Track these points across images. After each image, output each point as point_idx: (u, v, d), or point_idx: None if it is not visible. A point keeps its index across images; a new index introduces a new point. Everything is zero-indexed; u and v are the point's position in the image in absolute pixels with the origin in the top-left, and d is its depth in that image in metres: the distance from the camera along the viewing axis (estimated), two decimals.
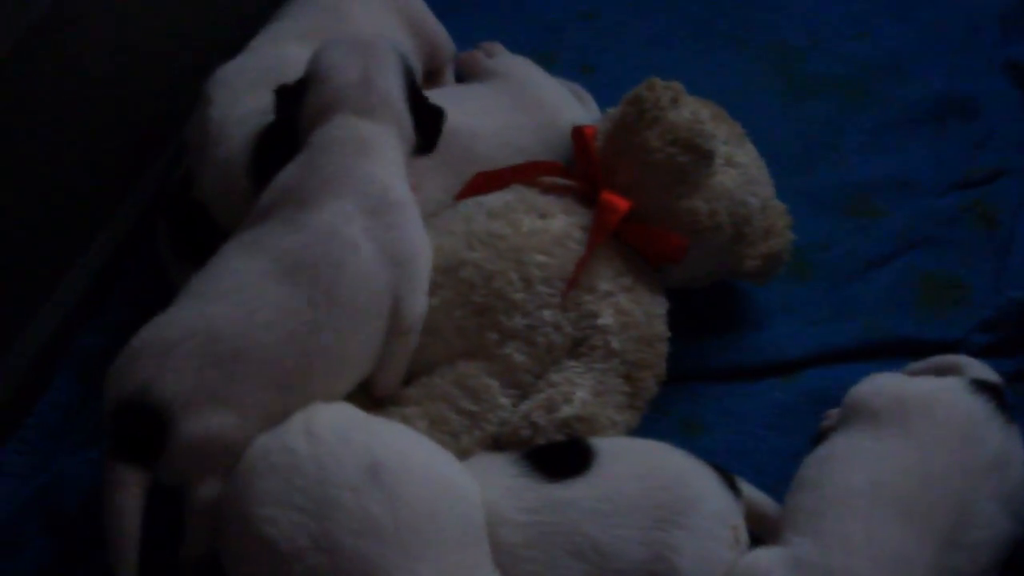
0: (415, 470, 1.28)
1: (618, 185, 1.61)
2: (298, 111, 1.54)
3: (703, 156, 1.58)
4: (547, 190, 1.65)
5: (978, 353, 1.63)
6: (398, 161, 1.53)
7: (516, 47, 2.04)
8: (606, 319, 1.54)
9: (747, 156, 1.69)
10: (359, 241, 1.42)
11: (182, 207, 1.69)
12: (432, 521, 1.24)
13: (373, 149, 1.50)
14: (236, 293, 1.38)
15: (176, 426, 1.31)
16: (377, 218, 1.45)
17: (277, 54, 1.76)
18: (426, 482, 1.28)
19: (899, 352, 1.69)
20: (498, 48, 2.12)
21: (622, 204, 1.58)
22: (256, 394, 1.35)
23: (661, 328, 1.59)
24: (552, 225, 1.58)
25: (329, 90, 1.53)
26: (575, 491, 1.33)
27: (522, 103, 1.78)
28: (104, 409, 1.36)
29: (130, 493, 1.32)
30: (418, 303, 1.48)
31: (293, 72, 1.62)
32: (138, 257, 1.86)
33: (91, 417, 1.66)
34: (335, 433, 1.29)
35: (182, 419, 1.31)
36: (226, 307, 1.37)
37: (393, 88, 1.55)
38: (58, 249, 1.77)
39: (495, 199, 1.61)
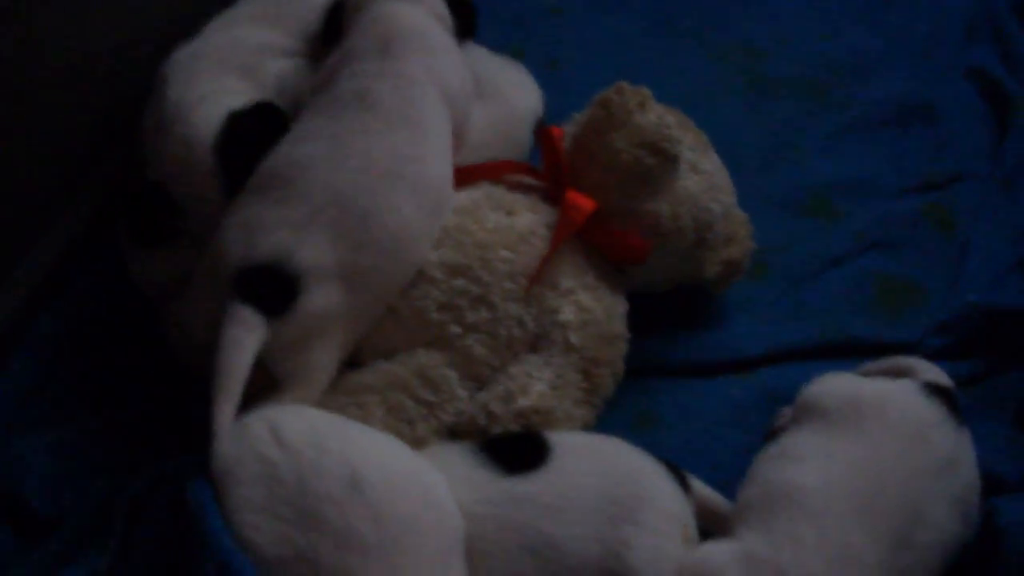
0: (396, 482, 1.27)
1: (583, 186, 1.61)
2: (340, 14, 1.65)
3: (669, 159, 1.58)
4: (513, 188, 1.66)
5: (933, 355, 1.64)
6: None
7: (482, 40, 2.03)
8: (566, 315, 1.54)
9: (711, 164, 1.70)
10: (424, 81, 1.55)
11: (137, 192, 1.68)
12: (415, 535, 1.24)
13: (418, 23, 1.60)
14: (356, 158, 1.46)
15: (305, 296, 1.40)
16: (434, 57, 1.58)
17: (233, 35, 1.75)
18: (408, 494, 1.27)
19: (855, 352, 1.70)
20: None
21: (587, 204, 1.58)
22: (373, 259, 1.44)
23: (621, 327, 1.60)
24: (517, 222, 1.58)
25: None
26: (532, 486, 1.33)
27: (481, 93, 1.78)
28: (230, 264, 1.42)
29: (250, 333, 1.36)
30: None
31: (250, 53, 1.63)
32: (98, 242, 1.85)
33: (48, 401, 1.65)
34: (309, 443, 1.28)
35: (312, 290, 1.40)
36: (350, 174, 1.45)
37: None
38: (16, 233, 1.75)
39: (463, 196, 1.61)
